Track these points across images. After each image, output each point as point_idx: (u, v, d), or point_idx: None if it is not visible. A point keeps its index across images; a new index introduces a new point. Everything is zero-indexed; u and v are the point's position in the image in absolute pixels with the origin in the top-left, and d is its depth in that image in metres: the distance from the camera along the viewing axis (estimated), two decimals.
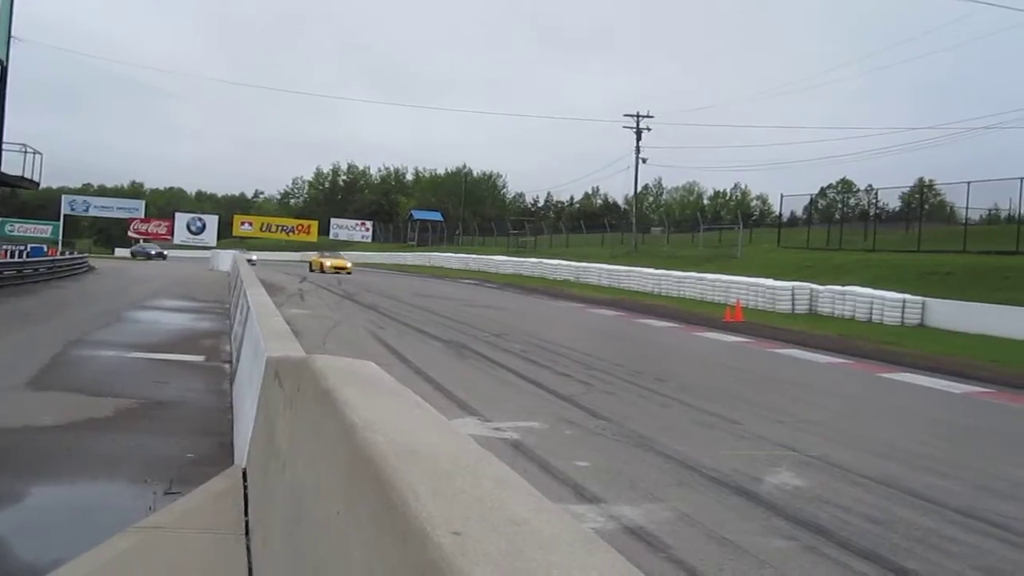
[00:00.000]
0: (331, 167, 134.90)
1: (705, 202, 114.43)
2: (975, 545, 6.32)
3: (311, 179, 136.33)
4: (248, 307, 10.27)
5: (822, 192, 76.89)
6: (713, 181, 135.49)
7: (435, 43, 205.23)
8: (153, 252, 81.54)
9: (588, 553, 1.46)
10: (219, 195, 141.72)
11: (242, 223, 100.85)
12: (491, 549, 1.40)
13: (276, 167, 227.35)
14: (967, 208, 41.19)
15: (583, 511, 6.37)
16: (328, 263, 54.40)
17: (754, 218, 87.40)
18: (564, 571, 1.35)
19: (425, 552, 1.44)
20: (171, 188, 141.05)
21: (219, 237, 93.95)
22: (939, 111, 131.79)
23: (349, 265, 55.54)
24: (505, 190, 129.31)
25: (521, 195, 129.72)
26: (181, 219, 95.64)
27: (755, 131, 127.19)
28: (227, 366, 12.40)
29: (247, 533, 4.47)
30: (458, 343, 17.60)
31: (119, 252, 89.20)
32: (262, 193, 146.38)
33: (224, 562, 4.16)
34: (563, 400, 11.48)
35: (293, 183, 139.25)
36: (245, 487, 5.21)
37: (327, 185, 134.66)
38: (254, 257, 71.08)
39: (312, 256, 60.13)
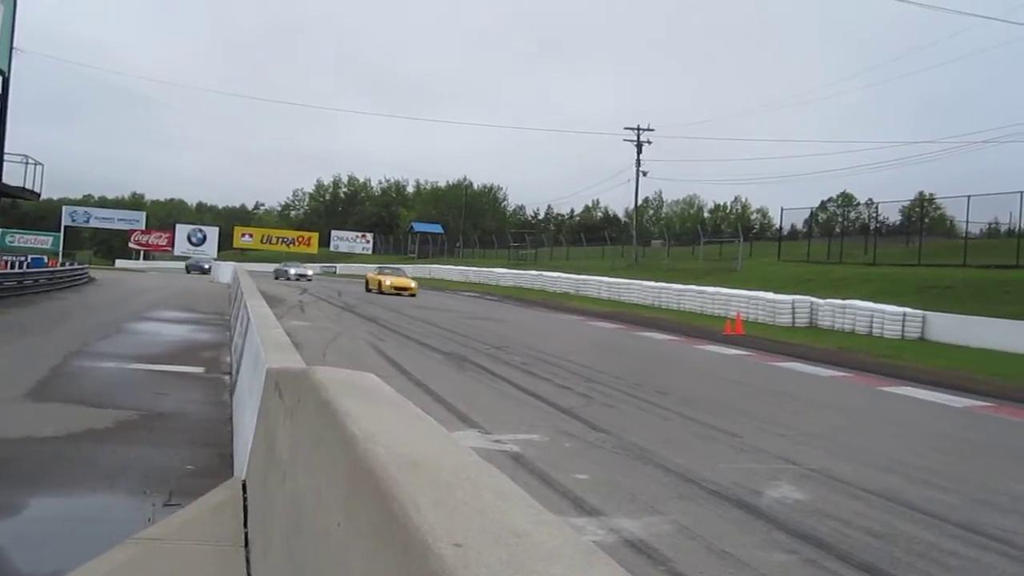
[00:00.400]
0: (332, 179, 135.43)
1: (705, 215, 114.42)
2: (975, 559, 6.31)
3: (312, 191, 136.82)
4: (248, 318, 10.27)
5: (822, 205, 77.14)
6: (713, 194, 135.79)
7: (436, 55, 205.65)
8: (207, 266, 75.63)
9: (589, 565, 1.46)
10: (220, 207, 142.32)
11: (243, 235, 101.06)
12: (492, 561, 1.40)
13: (276, 179, 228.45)
14: (967, 222, 41.32)
15: (583, 524, 6.36)
16: (387, 282, 44.34)
17: (754, 231, 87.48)
18: None
19: (426, 564, 1.44)
20: (172, 199, 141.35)
21: (220, 249, 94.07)
22: (940, 125, 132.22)
23: (414, 285, 44.79)
24: (506, 203, 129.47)
25: (521, 208, 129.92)
26: (182, 231, 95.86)
27: (755, 144, 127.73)
28: (227, 377, 12.41)
29: (247, 545, 4.47)
30: (458, 355, 17.60)
31: (120, 263, 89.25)
32: (263, 205, 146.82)
33: (223, 574, 4.16)
34: (563, 413, 11.47)
35: (294, 195, 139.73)
36: (245, 499, 5.21)
37: (328, 197, 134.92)
38: (310, 272, 65.52)
39: (369, 273, 49.02)
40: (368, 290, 45.01)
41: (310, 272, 65.97)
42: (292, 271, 62.93)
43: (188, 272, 75.88)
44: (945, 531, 6.97)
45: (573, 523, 6.20)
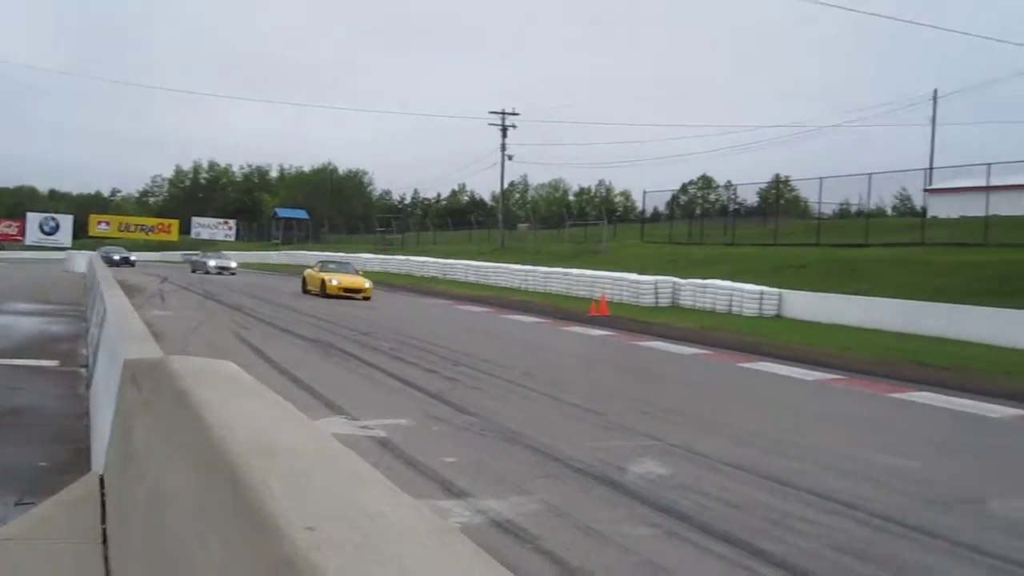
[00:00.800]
0: (192, 165, 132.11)
1: (571, 198, 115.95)
2: (827, 524, 6.60)
3: (171, 177, 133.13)
4: (105, 309, 9.96)
5: (683, 188, 78.79)
6: (578, 178, 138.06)
7: (302, 39, 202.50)
8: (119, 257, 61.65)
9: (443, 544, 1.48)
10: (74, 193, 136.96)
11: (99, 223, 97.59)
12: (345, 543, 1.41)
13: (134, 165, 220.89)
14: (820, 203, 43.05)
15: (450, 506, 6.40)
16: (334, 281, 33.32)
17: (618, 214, 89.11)
18: (416, 562, 1.36)
19: (280, 548, 1.44)
20: (21, 187, 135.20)
21: (75, 237, 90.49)
22: (796, 110, 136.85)
23: (368, 286, 33.94)
24: (372, 187, 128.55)
25: (388, 192, 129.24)
26: (33, 219, 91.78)
27: (619, 129, 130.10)
28: (83, 370, 11.99)
29: (105, 541, 4.35)
30: (325, 342, 17.42)
31: None
32: (119, 192, 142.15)
33: (80, 571, 4.04)
34: (431, 397, 11.49)
35: (152, 181, 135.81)
36: (103, 494, 5.07)
37: (187, 183, 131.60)
38: (234, 264, 54.72)
39: (308, 269, 37.12)
40: (307, 291, 34.68)
41: (234, 264, 54.94)
42: (212, 263, 52.82)
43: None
44: (800, 499, 7.27)
45: (440, 506, 6.24)
